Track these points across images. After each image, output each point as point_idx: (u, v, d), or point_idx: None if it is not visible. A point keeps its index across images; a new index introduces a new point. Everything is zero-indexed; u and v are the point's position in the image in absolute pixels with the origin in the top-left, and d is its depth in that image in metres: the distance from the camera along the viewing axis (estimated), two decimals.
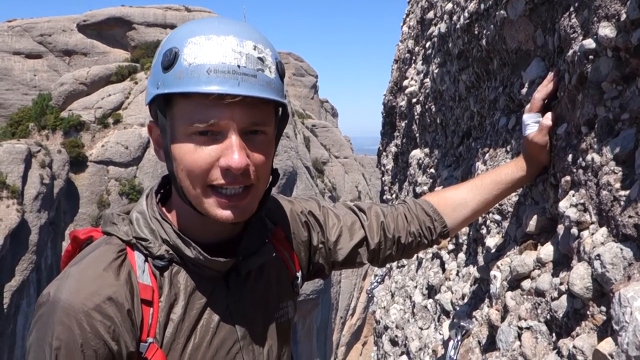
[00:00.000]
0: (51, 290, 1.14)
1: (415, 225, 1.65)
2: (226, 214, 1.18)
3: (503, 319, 1.65)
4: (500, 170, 1.71)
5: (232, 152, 1.12)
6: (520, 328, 1.51)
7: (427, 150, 3.71)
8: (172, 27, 52.19)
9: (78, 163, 41.79)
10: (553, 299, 1.40)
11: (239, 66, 1.11)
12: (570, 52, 1.43)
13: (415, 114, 4.01)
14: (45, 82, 48.32)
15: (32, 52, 49.47)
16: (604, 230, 1.24)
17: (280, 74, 1.20)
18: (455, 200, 1.68)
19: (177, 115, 1.15)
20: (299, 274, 1.50)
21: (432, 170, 3.53)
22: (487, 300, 1.89)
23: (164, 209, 1.29)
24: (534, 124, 1.62)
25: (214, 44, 1.11)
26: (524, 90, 1.84)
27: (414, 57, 4.33)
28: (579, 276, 1.25)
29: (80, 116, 43.95)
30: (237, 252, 1.29)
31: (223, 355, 1.27)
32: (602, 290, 1.19)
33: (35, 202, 36.86)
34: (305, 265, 1.55)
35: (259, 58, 1.14)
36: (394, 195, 4.92)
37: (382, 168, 5.57)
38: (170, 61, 1.12)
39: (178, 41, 1.14)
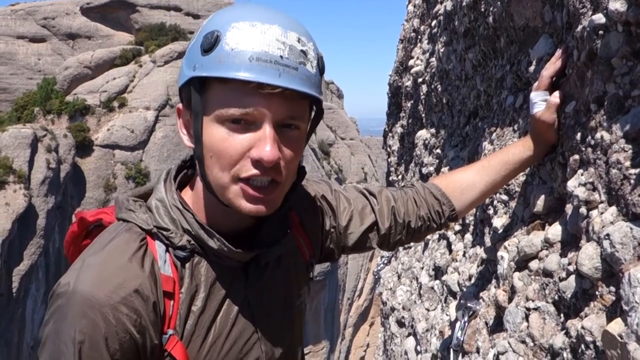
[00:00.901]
0: (71, 280, 1.10)
1: (424, 209, 1.63)
2: (250, 206, 1.14)
3: (510, 299, 1.64)
4: (508, 150, 1.69)
5: (264, 144, 1.09)
6: (528, 309, 1.50)
7: (433, 130, 3.68)
8: (176, 9, 52.06)
9: (84, 147, 41.93)
10: (561, 280, 1.38)
11: (281, 57, 1.08)
12: (580, 27, 1.40)
13: (421, 93, 3.97)
14: (50, 66, 48.29)
15: (36, 36, 49.39)
16: (613, 209, 1.22)
17: (321, 69, 1.17)
18: (463, 183, 1.67)
19: (211, 99, 1.11)
20: (313, 260, 1.49)
21: (439, 150, 3.50)
22: (494, 281, 1.88)
23: (182, 195, 1.26)
24: (542, 102, 1.60)
25: (257, 31, 1.08)
26: (532, 68, 1.80)
27: (419, 36, 4.28)
28: (588, 256, 1.23)
29: (85, 100, 43.99)
30: (258, 243, 1.27)
31: (241, 345, 1.26)
32: (612, 271, 1.17)
33: (42, 186, 37.07)
34: (317, 249, 1.53)
35: (302, 51, 1.11)
36: (400, 177, 4.90)
37: (388, 149, 5.54)
38: (211, 44, 1.08)
39: (221, 25, 1.10)
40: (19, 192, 35.89)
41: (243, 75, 1.06)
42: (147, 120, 43.96)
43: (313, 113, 1.24)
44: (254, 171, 1.11)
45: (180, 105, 1.22)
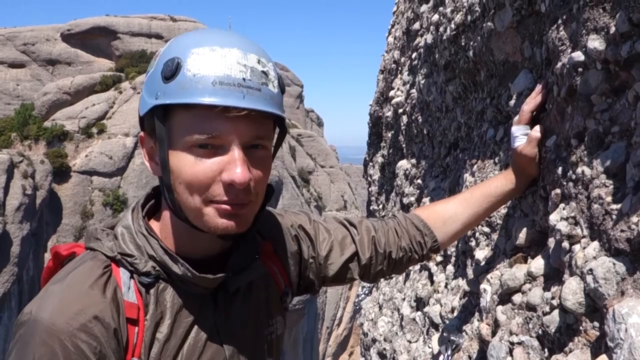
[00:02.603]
0: (33, 309, 1.09)
1: (405, 239, 1.63)
2: (227, 223, 1.14)
3: (494, 333, 1.63)
4: (490, 183, 1.70)
5: (235, 166, 1.10)
6: (512, 343, 1.49)
7: (414, 160, 3.70)
8: (157, 36, 52.18)
9: (61, 173, 41.38)
10: (545, 314, 1.38)
11: (244, 79, 1.09)
12: (559, 64, 1.43)
13: (402, 124, 4.01)
14: (29, 91, 47.91)
15: (15, 62, 49.08)
16: (595, 244, 1.22)
17: (282, 88, 1.19)
18: (445, 214, 1.67)
19: (176, 126, 1.12)
20: (288, 290, 1.47)
21: (419, 181, 3.52)
22: (477, 314, 1.87)
23: (150, 224, 1.25)
24: (523, 136, 1.62)
25: (218, 55, 1.09)
26: (512, 102, 1.83)
27: (400, 68, 4.33)
28: (572, 291, 1.23)
29: (64, 126, 43.60)
30: (226, 268, 1.25)
31: None
32: (595, 306, 1.18)
33: (17, 213, 36.38)
34: (295, 280, 1.51)
35: (263, 72, 1.13)
36: (380, 206, 4.91)
37: (369, 178, 5.56)
38: (172, 71, 1.09)
39: (180, 51, 1.11)
40: None
41: (208, 100, 1.07)
42: (126, 147, 43.64)
43: (277, 131, 1.25)
44: (225, 196, 1.12)
45: (142, 134, 1.22)
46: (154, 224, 1.27)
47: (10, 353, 1.09)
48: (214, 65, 1.08)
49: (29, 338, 1.07)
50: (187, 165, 1.11)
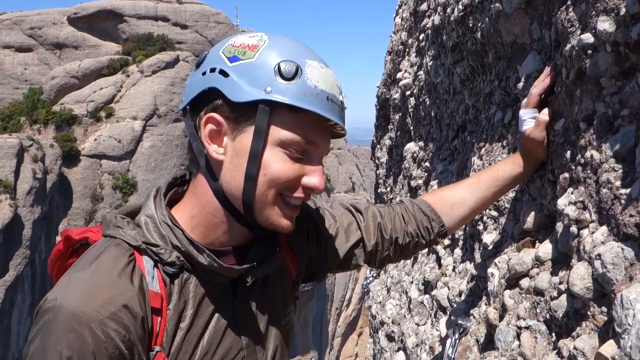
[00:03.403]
0: (58, 295, 1.09)
1: (412, 225, 1.63)
2: (288, 224, 1.24)
3: (501, 317, 1.63)
4: (497, 167, 1.69)
5: (317, 174, 1.23)
6: (519, 327, 1.49)
7: (421, 143, 3.68)
8: (164, 19, 51.95)
9: (71, 157, 41.57)
10: (552, 299, 1.38)
11: (342, 101, 1.23)
12: (568, 46, 1.40)
13: (409, 106, 3.98)
14: (36, 75, 47.96)
15: (23, 46, 49.06)
16: (604, 229, 1.21)
17: None
18: (452, 199, 1.66)
19: (278, 123, 1.17)
20: (299, 279, 1.49)
21: (427, 163, 3.50)
22: (484, 298, 1.87)
23: (172, 213, 1.26)
24: (531, 119, 1.60)
25: (327, 73, 1.20)
26: (520, 85, 1.81)
27: (407, 49, 4.29)
28: (579, 276, 1.23)
29: (72, 110, 43.68)
30: (248, 259, 1.28)
31: None
32: (603, 291, 1.17)
33: (28, 196, 36.68)
34: (302, 268, 1.53)
35: (344, 96, 1.26)
36: (388, 189, 4.90)
37: (377, 161, 5.54)
38: (292, 74, 1.15)
39: (292, 56, 1.17)
40: (5, 202, 35.49)
41: (327, 114, 1.18)
42: (135, 130, 43.72)
43: None
44: (302, 195, 1.23)
45: (213, 115, 1.19)
46: (176, 212, 1.28)
47: (33, 339, 1.09)
48: (326, 82, 1.19)
49: (56, 325, 1.06)
50: (279, 161, 1.18)
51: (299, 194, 1.23)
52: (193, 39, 52.85)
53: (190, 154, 1.27)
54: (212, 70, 1.19)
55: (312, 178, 1.22)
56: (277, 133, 1.17)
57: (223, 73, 1.17)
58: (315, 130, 1.20)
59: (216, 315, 1.25)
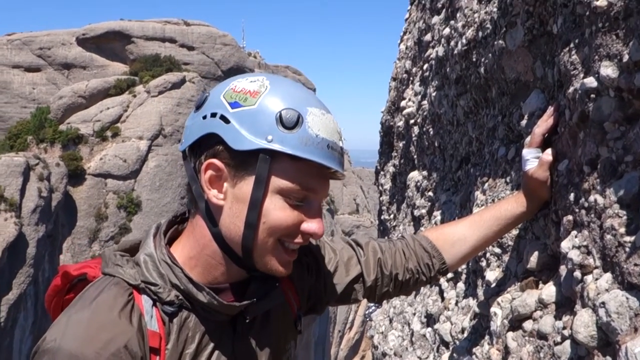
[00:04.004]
0: (57, 336, 1.08)
1: (413, 261, 1.62)
2: (284, 271, 1.26)
3: (504, 359, 1.60)
4: (500, 206, 1.68)
5: (316, 220, 1.23)
6: None
7: (425, 172, 3.68)
8: (171, 40, 52.48)
9: (76, 176, 41.74)
10: (556, 344, 1.36)
11: (341, 147, 1.23)
12: (571, 89, 1.40)
13: (413, 135, 3.98)
14: (44, 95, 48.37)
15: (32, 66, 49.58)
16: (608, 275, 1.20)
17: None
18: (454, 236, 1.65)
19: (278, 171, 1.17)
20: (300, 313, 1.49)
21: (431, 193, 3.49)
22: (487, 337, 1.84)
23: (171, 251, 1.26)
24: (534, 159, 1.59)
25: (328, 120, 1.21)
26: (524, 122, 1.80)
27: (411, 78, 4.31)
28: (584, 324, 1.21)
29: (79, 129, 43.96)
30: (247, 296, 1.27)
31: None
32: (608, 340, 1.15)
33: (33, 215, 36.75)
34: (304, 301, 1.53)
35: (344, 140, 1.27)
36: (391, 216, 4.88)
37: (380, 188, 5.53)
38: (293, 123, 1.16)
39: (294, 104, 1.18)
40: (10, 220, 35.55)
41: (327, 162, 1.18)
42: (140, 150, 43.92)
43: None
44: (301, 240, 1.24)
45: (214, 161, 1.19)
46: (175, 251, 1.28)
47: None
48: (326, 130, 1.19)
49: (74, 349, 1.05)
50: (278, 209, 1.19)
51: (298, 240, 1.24)
52: (200, 60, 53.33)
53: (189, 195, 1.27)
54: (213, 115, 1.19)
55: (312, 224, 1.23)
56: (278, 181, 1.18)
57: (224, 119, 1.18)
58: (315, 177, 1.20)
59: (216, 352, 1.24)
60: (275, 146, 1.15)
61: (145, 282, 1.19)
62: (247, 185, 1.18)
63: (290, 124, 1.15)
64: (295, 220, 1.21)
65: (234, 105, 1.18)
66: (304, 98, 1.21)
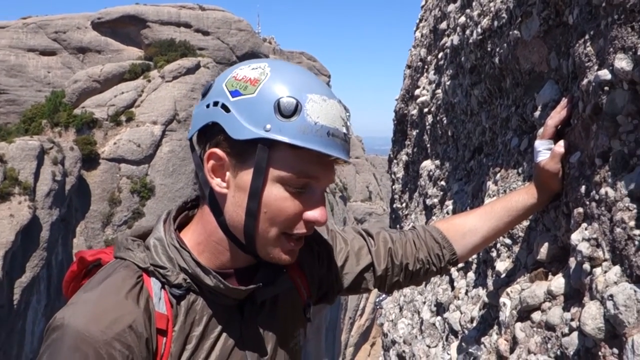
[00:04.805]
0: (66, 315, 1.11)
1: (423, 252, 1.62)
2: (288, 259, 1.26)
3: (512, 350, 1.61)
4: (511, 197, 1.68)
5: (319, 207, 1.22)
6: None
7: (437, 162, 3.67)
8: (186, 25, 52.51)
9: (90, 160, 42.11)
10: (564, 335, 1.36)
11: (345, 134, 1.21)
12: (585, 80, 1.39)
13: (427, 124, 3.97)
14: (59, 79, 48.72)
15: (47, 49, 49.91)
16: (617, 269, 1.20)
17: None
18: (464, 227, 1.65)
19: (278, 160, 1.17)
20: (310, 302, 1.50)
21: (443, 182, 3.49)
22: (496, 327, 1.85)
23: (180, 236, 1.29)
24: (546, 150, 1.59)
25: (329, 107, 1.18)
26: (537, 113, 1.80)
27: (426, 66, 4.29)
28: (591, 316, 1.21)
29: (93, 113, 44.28)
30: (255, 281, 1.29)
31: None
32: (615, 332, 1.16)
33: (46, 198, 37.17)
34: (314, 290, 1.54)
35: (349, 126, 1.24)
36: (404, 204, 4.88)
37: (393, 176, 5.53)
38: (292, 111, 1.14)
39: (294, 92, 1.16)
40: (24, 203, 35.99)
41: (328, 150, 1.16)
42: (154, 135, 44.16)
43: None
44: (304, 230, 1.23)
45: (216, 150, 1.21)
46: (185, 236, 1.30)
47: (41, 356, 1.11)
48: (328, 116, 1.17)
49: (61, 344, 1.08)
50: (279, 199, 1.19)
51: (301, 229, 1.23)
52: (214, 45, 53.35)
53: (197, 182, 1.30)
54: (215, 103, 1.20)
55: (314, 212, 1.22)
56: (277, 170, 1.18)
57: (225, 108, 1.19)
58: (316, 165, 1.19)
59: (223, 336, 1.26)
60: (273, 135, 1.15)
61: (154, 265, 1.21)
62: (247, 174, 1.19)
63: (289, 112, 1.14)
64: (297, 209, 1.21)
65: (235, 93, 1.19)
66: (305, 84, 1.19)
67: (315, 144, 1.15)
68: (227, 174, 1.22)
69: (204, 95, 1.27)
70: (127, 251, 1.24)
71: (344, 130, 1.20)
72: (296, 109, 1.15)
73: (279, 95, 1.16)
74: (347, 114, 1.24)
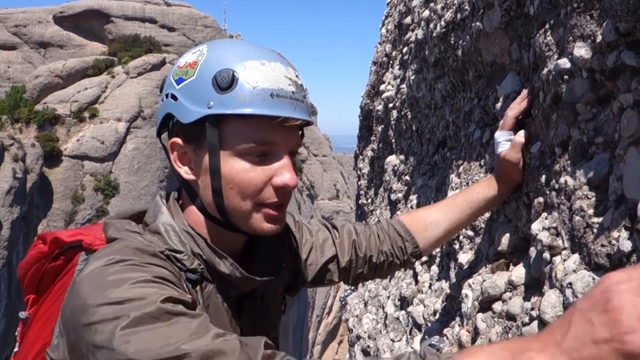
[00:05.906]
0: (111, 253, 1.10)
1: (387, 244, 1.62)
2: (272, 227, 1.23)
3: (474, 340, 1.61)
4: (473, 189, 1.68)
5: (286, 172, 1.19)
6: None
7: (402, 157, 3.68)
8: (151, 20, 51.74)
9: (52, 157, 41.09)
10: (524, 324, 1.36)
11: (293, 92, 1.18)
12: (545, 70, 1.40)
13: (392, 119, 3.97)
14: (20, 74, 47.45)
15: (7, 44, 48.55)
16: (576, 257, 1.20)
17: None
18: (427, 220, 1.66)
19: (230, 134, 1.16)
20: (285, 294, 1.50)
21: (407, 177, 3.49)
22: (458, 318, 1.85)
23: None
24: (506, 141, 1.59)
25: (269, 69, 1.16)
26: (499, 105, 1.80)
27: (391, 62, 4.29)
28: (551, 304, 1.22)
29: (56, 109, 43.22)
30: (259, 274, 1.27)
31: None
32: None
33: (7, 196, 36.16)
34: (286, 282, 1.53)
35: (301, 85, 1.22)
36: (369, 200, 4.88)
37: (359, 172, 5.53)
38: (229, 83, 1.14)
39: (229, 63, 1.15)
40: None
41: (271, 112, 1.14)
42: (118, 132, 43.37)
43: None
44: (276, 199, 1.20)
45: (175, 139, 1.23)
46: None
47: (104, 277, 1.04)
48: (268, 79, 1.15)
49: (127, 263, 1.06)
50: (241, 171, 1.17)
51: (272, 197, 1.20)
52: (180, 41, 52.68)
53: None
54: (167, 95, 1.22)
55: (281, 177, 1.19)
56: (232, 144, 1.16)
57: (173, 97, 1.20)
58: (269, 130, 1.16)
59: (225, 327, 1.23)
60: (217, 110, 1.14)
61: (170, 250, 1.19)
62: (206, 155, 1.19)
63: (226, 84, 1.14)
64: (263, 178, 1.18)
65: (179, 81, 1.21)
66: (241, 54, 1.18)
67: (259, 108, 1.13)
68: (192, 160, 1.22)
69: (160, 90, 1.28)
70: (134, 234, 1.20)
71: (292, 89, 1.18)
72: (233, 79, 1.14)
73: (215, 70, 1.15)
74: (295, 72, 1.21)
